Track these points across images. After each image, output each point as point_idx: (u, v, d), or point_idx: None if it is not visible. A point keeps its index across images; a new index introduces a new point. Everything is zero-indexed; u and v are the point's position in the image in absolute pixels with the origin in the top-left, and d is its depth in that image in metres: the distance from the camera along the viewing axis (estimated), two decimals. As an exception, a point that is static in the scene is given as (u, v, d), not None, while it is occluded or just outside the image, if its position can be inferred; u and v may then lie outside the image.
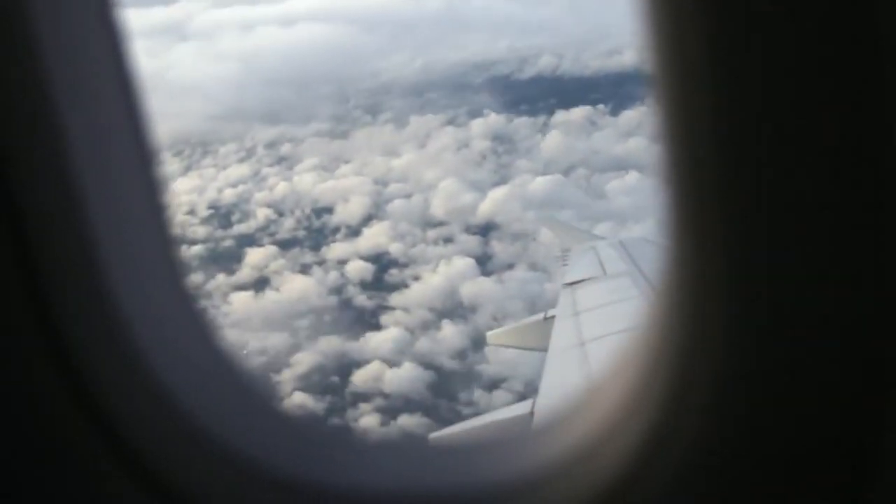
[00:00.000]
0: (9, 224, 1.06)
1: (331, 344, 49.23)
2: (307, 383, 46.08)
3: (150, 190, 1.21)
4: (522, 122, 75.85)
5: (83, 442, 1.15)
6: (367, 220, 63.76)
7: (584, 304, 11.19)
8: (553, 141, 70.96)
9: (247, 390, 1.28)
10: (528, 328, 12.81)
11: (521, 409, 9.31)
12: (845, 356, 0.95)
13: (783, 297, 0.94)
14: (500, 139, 74.06)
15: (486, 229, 59.53)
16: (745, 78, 0.87)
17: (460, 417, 43.37)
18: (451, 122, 79.49)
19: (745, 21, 0.85)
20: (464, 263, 55.19)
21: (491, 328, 49.36)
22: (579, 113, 73.76)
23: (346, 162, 75.30)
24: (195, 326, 1.28)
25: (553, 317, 11.34)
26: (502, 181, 67.04)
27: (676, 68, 0.89)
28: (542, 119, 75.77)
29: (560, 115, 74.91)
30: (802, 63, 0.86)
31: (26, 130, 1.03)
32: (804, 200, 0.91)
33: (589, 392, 1.21)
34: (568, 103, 76.50)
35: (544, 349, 10.30)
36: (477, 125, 76.72)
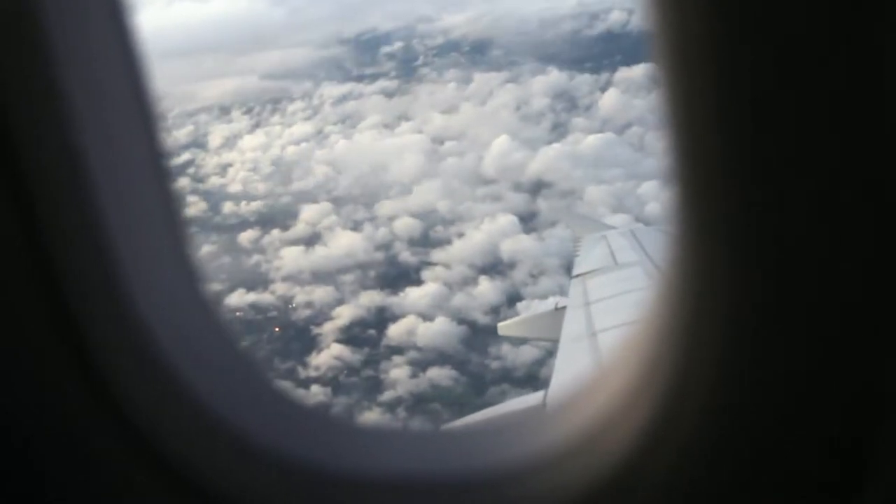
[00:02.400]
0: (25, 223, 1.07)
1: (372, 298, 50.53)
2: (346, 336, 47.54)
3: (163, 186, 1.23)
4: (584, 80, 74.89)
5: (101, 436, 1.17)
6: (420, 177, 64.55)
7: (595, 294, 11.12)
8: (611, 98, 70.02)
9: (261, 381, 1.31)
10: (540, 319, 12.80)
11: (533, 399, 9.20)
12: (847, 351, 0.94)
13: (785, 291, 0.93)
14: (560, 97, 73.46)
15: (534, 187, 59.61)
16: (751, 72, 0.86)
17: (489, 371, 44.20)
18: (513, 79, 79.20)
19: (751, 13, 0.84)
20: (506, 220, 55.51)
21: (526, 284, 50.16)
22: (641, 70, 72.26)
23: (407, 119, 76.16)
24: (209, 320, 1.30)
25: (564, 307, 11.26)
26: (557, 139, 66.75)
27: (682, 62, 0.89)
28: (604, 76, 74.70)
29: (623, 72, 73.74)
30: (807, 58, 0.84)
31: (40, 131, 1.05)
32: (808, 194, 0.89)
33: (591, 381, 1.22)
34: (633, 60, 75.08)
35: (555, 340, 10.25)
36: (538, 82, 76.26)
